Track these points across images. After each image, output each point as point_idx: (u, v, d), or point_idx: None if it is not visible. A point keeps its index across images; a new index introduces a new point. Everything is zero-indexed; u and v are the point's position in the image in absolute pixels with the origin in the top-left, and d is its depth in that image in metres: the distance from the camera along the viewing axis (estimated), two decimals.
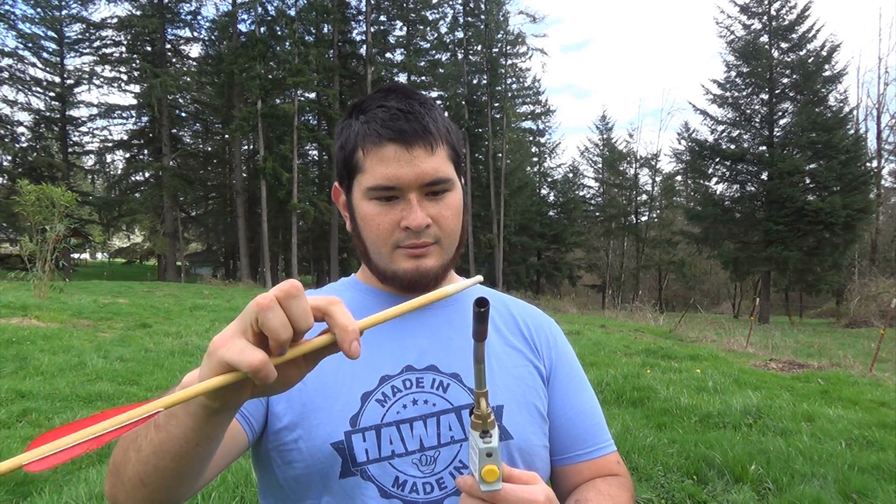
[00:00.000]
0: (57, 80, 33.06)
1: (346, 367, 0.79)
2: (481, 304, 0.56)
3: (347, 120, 0.83)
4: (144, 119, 35.57)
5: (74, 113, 34.80)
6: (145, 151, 36.66)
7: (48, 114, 33.38)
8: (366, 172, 0.78)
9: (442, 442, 0.77)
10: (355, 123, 0.80)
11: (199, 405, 0.52)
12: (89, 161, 37.62)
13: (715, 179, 29.05)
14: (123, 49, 34.34)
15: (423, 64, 34.80)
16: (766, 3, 26.82)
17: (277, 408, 0.78)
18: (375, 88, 0.86)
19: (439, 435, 0.78)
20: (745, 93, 27.86)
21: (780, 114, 26.91)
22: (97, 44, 33.83)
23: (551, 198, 41.59)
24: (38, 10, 31.48)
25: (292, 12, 30.78)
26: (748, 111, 27.87)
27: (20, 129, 32.90)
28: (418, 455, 0.76)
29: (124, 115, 35.43)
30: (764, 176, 26.57)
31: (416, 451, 0.76)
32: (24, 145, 33.07)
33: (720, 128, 28.66)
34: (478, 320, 0.57)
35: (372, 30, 32.62)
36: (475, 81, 36.56)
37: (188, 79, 33.77)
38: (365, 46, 32.63)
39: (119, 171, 38.10)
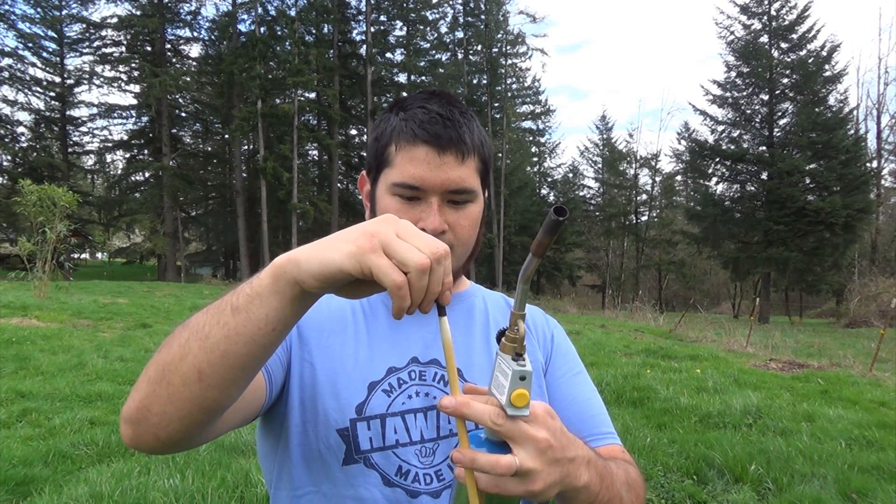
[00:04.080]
0: (57, 80, 33.09)
1: (354, 355, 0.80)
2: (561, 213, 0.52)
3: (387, 114, 0.84)
4: (144, 119, 35.59)
5: (74, 113, 34.90)
6: (145, 151, 36.67)
7: (48, 114, 33.41)
8: (394, 168, 0.79)
9: (441, 435, 0.79)
10: (394, 119, 0.82)
11: (291, 285, 0.53)
12: (89, 161, 37.70)
13: (715, 179, 29.10)
14: (123, 49, 34.35)
15: (423, 64, 34.82)
16: (766, 3, 26.83)
17: (291, 386, 0.78)
18: (418, 90, 0.87)
19: (438, 428, 0.79)
20: (745, 93, 27.88)
21: (780, 114, 26.93)
22: (97, 44, 33.87)
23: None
24: (38, 10, 31.52)
25: (292, 12, 30.79)
26: (748, 111, 27.88)
27: (20, 129, 32.99)
28: (419, 447, 0.78)
29: (124, 115, 35.50)
30: (764, 176, 26.59)
31: (417, 442, 0.78)
32: (24, 145, 33.11)
33: (720, 128, 28.69)
34: (548, 230, 0.53)
35: (372, 30, 32.62)
36: (475, 81, 36.55)
37: (188, 79, 33.76)
38: (365, 46, 32.65)
39: (119, 171, 38.14)
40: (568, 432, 0.62)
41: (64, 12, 32.35)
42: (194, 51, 47.09)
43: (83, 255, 41.08)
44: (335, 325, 0.83)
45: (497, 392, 0.59)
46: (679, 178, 37.74)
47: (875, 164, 29.85)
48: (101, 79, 34.11)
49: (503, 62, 35.31)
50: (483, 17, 34.59)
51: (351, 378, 0.78)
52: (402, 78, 34.93)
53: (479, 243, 0.87)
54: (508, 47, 35.76)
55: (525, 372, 0.56)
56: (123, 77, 34.60)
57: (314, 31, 32.91)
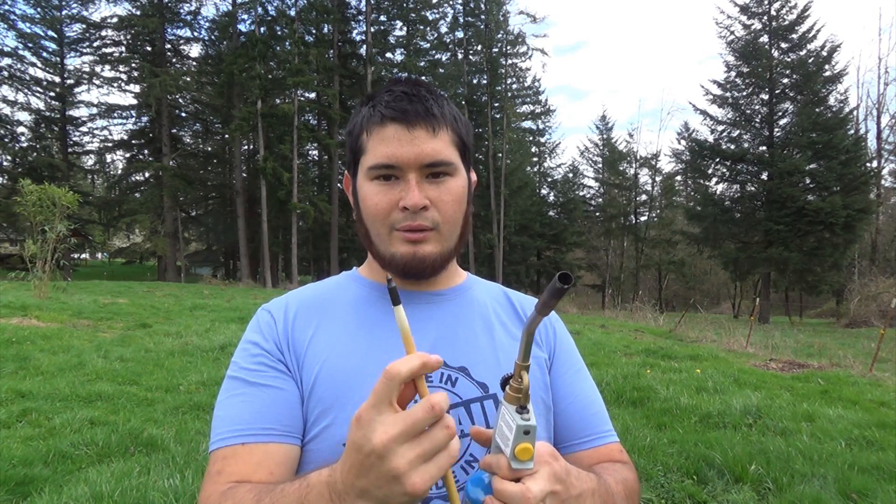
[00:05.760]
0: (57, 80, 33.08)
1: (356, 365, 0.79)
2: (566, 280, 0.53)
3: (358, 109, 0.84)
4: (144, 119, 35.60)
5: (74, 113, 34.90)
6: (145, 151, 36.69)
7: (48, 114, 33.41)
8: (368, 153, 0.79)
9: None
10: (364, 109, 0.82)
11: None
12: (89, 161, 37.69)
13: (715, 179, 29.07)
14: (123, 49, 34.36)
15: (423, 64, 34.82)
16: (766, 3, 26.81)
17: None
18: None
19: None
20: (745, 93, 27.86)
21: (780, 114, 26.91)
22: (97, 44, 33.87)
23: (551, 198, 41.60)
24: (38, 9, 31.51)
25: (292, 12, 30.80)
26: (748, 111, 27.86)
27: (20, 129, 32.99)
28: None
29: (124, 115, 35.51)
30: (764, 176, 26.57)
31: None
32: (24, 145, 33.11)
33: (720, 128, 28.67)
34: (553, 295, 0.55)
35: (372, 30, 32.62)
36: (475, 81, 36.56)
37: (188, 79, 33.77)
38: (365, 46, 32.65)
39: (119, 171, 38.16)
40: (572, 470, 0.63)
41: (64, 12, 32.34)
42: (194, 51, 47.18)
43: (83, 256, 41.08)
44: (338, 339, 0.82)
45: (502, 443, 0.60)
46: (679, 178, 37.73)
47: (875, 164, 29.82)
48: (101, 79, 34.13)
49: (503, 62, 35.31)
50: (483, 17, 34.60)
51: (354, 390, 0.77)
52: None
53: (469, 223, 0.86)
54: (508, 47, 35.76)
55: (529, 426, 0.56)
56: (123, 77, 34.65)
57: (314, 31, 32.91)
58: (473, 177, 0.88)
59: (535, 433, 0.57)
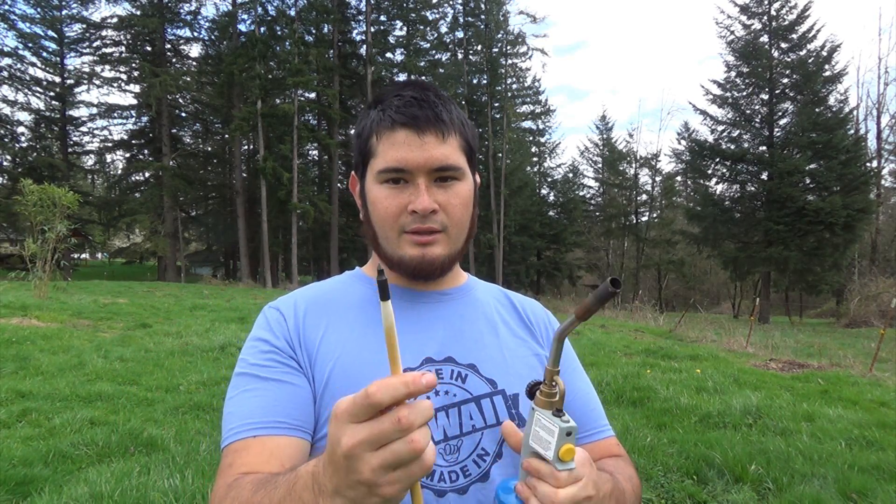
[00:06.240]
0: (57, 80, 33.09)
1: (368, 362, 0.79)
2: (616, 284, 0.54)
3: (367, 111, 0.85)
4: (144, 119, 35.60)
5: (74, 113, 34.91)
6: (145, 151, 36.68)
7: (48, 114, 33.41)
8: (378, 157, 0.81)
9: (464, 431, 0.79)
10: (373, 113, 0.83)
11: None
12: (89, 161, 37.70)
13: (715, 179, 29.08)
14: (123, 49, 34.37)
15: (423, 64, 34.81)
16: (766, 3, 26.82)
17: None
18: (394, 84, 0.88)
19: (461, 424, 0.79)
20: (745, 93, 27.87)
21: (780, 114, 26.91)
22: (97, 44, 33.89)
23: (551, 198, 41.60)
24: (38, 9, 31.51)
25: (292, 12, 30.79)
26: (748, 111, 27.87)
27: (20, 129, 32.99)
28: (443, 445, 0.78)
29: (124, 115, 35.50)
30: (764, 176, 26.58)
31: (440, 441, 0.78)
32: (24, 145, 33.10)
33: (720, 128, 28.68)
34: (600, 300, 0.55)
35: (372, 30, 32.61)
36: (475, 81, 36.54)
37: (188, 79, 33.77)
38: (365, 46, 32.64)
39: (119, 171, 38.16)
40: (596, 468, 0.67)
41: (64, 12, 32.35)
42: (194, 51, 47.17)
43: (83, 256, 41.07)
44: (349, 337, 0.82)
45: (541, 448, 0.61)
46: (679, 178, 37.74)
47: (875, 164, 29.81)
48: (101, 79, 34.12)
49: (503, 62, 35.30)
50: (483, 17, 34.59)
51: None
52: (402, 78, 34.91)
53: (475, 225, 0.88)
54: (508, 47, 35.75)
55: (571, 428, 0.59)
56: (123, 77, 34.65)
57: (314, 31, 32.91)
58: (477, 178, 0.90)
59: (576, 434, 0.59)
